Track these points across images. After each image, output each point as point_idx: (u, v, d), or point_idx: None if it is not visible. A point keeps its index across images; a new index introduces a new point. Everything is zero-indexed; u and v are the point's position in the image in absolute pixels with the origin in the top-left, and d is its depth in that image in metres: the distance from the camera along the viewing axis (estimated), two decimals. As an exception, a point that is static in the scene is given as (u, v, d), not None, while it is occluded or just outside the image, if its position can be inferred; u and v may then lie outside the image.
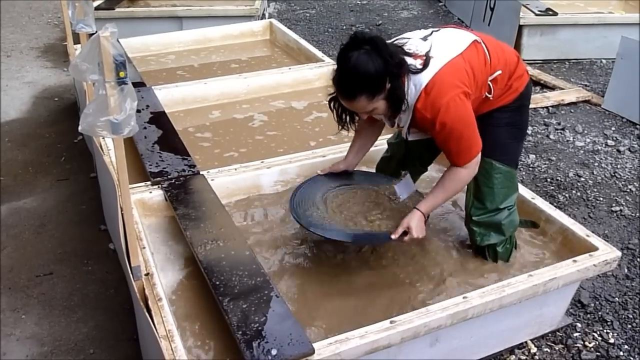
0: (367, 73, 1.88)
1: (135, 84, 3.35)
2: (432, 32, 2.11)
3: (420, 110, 1.97)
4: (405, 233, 2.08)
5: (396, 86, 1.93)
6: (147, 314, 1.79)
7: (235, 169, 2.69)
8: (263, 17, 5.65)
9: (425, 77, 1.94)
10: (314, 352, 1.69)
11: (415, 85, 1.96)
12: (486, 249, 2.33)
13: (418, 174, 2.57)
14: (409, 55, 1.98)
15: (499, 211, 2.24)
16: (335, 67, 1.96)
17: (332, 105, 2.14)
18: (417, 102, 1.97)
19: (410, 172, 2.50)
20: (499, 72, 2.10)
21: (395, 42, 2.05)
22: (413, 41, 2.05)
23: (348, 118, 2.16)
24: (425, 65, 1.95)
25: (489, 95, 2.11)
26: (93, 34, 1.63)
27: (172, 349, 1.71)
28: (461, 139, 2.00)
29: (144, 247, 2.14)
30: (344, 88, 1.96)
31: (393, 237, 2.08)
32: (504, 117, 2.19)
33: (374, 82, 1.90)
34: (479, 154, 2.06)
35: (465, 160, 2.03)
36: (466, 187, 2.24)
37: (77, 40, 3.12)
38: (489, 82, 2.09)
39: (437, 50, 2.00)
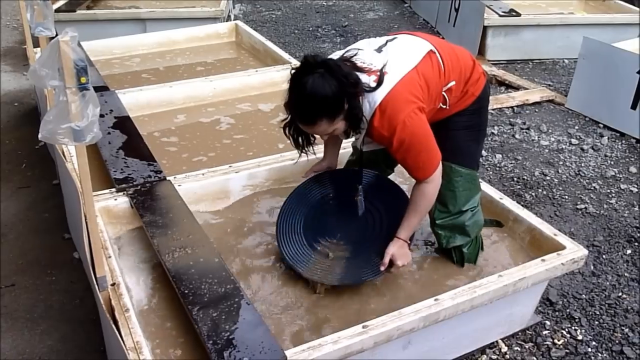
0: (325, 97, 1.85)
1: (98, 88, 3.28)
2: (386, 42, 2.08)
3: (377, 128, 1.96)
4: (391, 263, 2.09)
5: (354, 105, 1.91)
6: (114, 325, 1.74)
7: (203, 174, 2.64)
8: (228, 18, 5.60)
9: (379, 95, 1.93)
10: (286, 360, 1.67)
11: (369, 103, 1.95)
12: (452, 250, 2.34)
13: (385, 175, 2.56)
14: (362, 71, 1.95)
15: (462, 213, 2.25)
16: (289, 93, 1.92)
17: (286, 131, 2.09)
18: (373, 119, 1.96)
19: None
20: (453, 82, 2.10)
21: (347, 53, 2.02)
22: (366, 54, 2.02)
23: (305, 142, 2.11)
24: (380, 82, 1.93)
25: (444, 106, 2.12)
26: (53, 37, 1.57)
27: (140, 361, 1.67)
28: (419, 154, 1.99)
29: (110, 257, 2.09)
30: (303, 114, 1.93)
31: (382, 269, 2.10)
32: (462, 120, 2.20)
33: (333, 105, 1.88)
34: (440, 166, 2.05)
35: (426, 174, 2.03)
36: None
37: (36, 43, 3.02)
38: (444, 93, 2.09)
39: (391, 64, 1.98)
